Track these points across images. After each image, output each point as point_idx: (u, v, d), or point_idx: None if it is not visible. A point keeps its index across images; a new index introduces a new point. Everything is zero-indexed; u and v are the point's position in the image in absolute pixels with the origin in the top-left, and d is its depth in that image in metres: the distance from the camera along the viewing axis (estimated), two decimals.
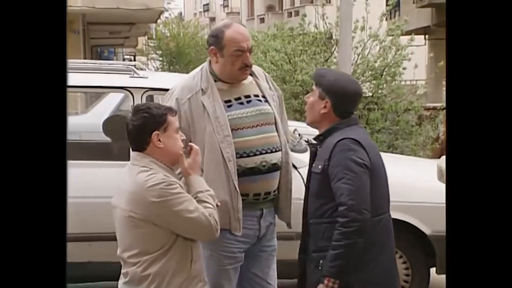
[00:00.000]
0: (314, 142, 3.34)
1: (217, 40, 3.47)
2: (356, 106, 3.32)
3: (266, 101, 3.57)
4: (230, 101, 3.50)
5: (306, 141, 4.77)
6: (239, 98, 3.52)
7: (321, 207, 3.16)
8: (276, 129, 3.56)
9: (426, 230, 4.68)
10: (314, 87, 3.30)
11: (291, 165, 3.61)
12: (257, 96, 3.56)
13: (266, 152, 3.47)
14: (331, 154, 3.10)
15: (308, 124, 3.40)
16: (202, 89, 3.47)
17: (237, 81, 3.53)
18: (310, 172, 3.28)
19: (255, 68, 3.69)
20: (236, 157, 3.41)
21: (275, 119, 3.57)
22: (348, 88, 3.22)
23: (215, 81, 3.50)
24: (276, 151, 3.51)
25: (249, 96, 3.54)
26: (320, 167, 3.14)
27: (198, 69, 3.61)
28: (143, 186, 2.89)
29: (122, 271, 3.02)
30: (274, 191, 3.55)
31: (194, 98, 3.47)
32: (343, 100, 3.20)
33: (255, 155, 3.45)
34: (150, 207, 2.87)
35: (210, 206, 2.97)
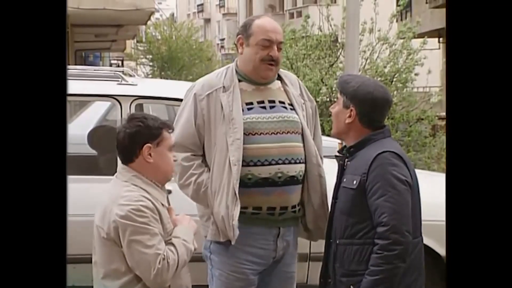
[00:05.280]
0: (339, 155, 3.28)
1: (245, 28, 3.50)
2: (385, 114, 3.26)
3: (293, 109, 3.54)
4: (251, 103, 3.48)
5: None
6: (262, 102, 3.50)
7: (352, 226, 3.09)
8: (303, 139, 3.51)
9: (442, 251, 4.67)
10: (338, 95, 3.27)
11: (324, 177, 3.53)
12: (283, 102, 3.53)
13: (284, 163, 3.42)
14: (369, 168, 3.04)
15: (333, 136, 3.37)
16: (223, 87, 3.47)
17: (259, 76, 3.49)
18: (338, 187, 3.22)
19: (287, 75, 3.70)
20: (250, 165, 3.38)
21: (302, 129, 3.52)
22: (374, 95, 3.15)
23: (239, 80, 3.50)
24: (296, 162, 3.45)
25: (273, 102, 3.51)
26: (355, 182, 3.07)
27: (225, 66, 3.64)
28: (115, 202, 2.92)
29: None
30: (294, 207, 3.48)
31: (213, 95, 3.46)
32: (369, 108, 3.15)
33: (270, 164, 3.40)
34: (111, 224, 2.89)
35: (173, 252, 2.93)
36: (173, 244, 2.95)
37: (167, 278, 2.90)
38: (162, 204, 3.03)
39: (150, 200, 2.95)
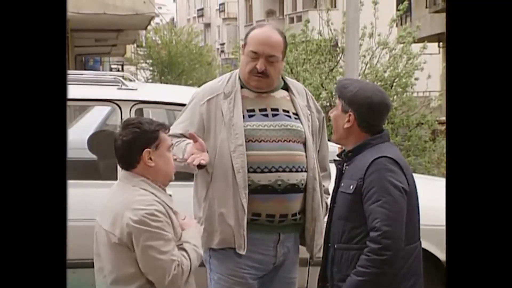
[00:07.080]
0: (338, 159, 3.29)
1: (245, 36, 3.54)
2: (383, 119, 3.26)
3: (298, 118, 3.53)
4: (253, 110, 3.48)
5: None
6: (264, 110, 3.49)
7: (349, 232, 3.10)
8: (305, 149, 3.50)
9: (441, 256, 4.67)
10: (337, 100, 3.27)
11: (318, 191, 3.53)
12: (287, 111, 3.53)
13: (284, 171, 3.41)
14: (365, 173, 3.05)
15: (334, 142, 3.37)
16: (224, 93, 3.48)
17: (251, 86, 3.50)
18: (336, 192, 3.23)
19: (295, 84, 3.70)
20: (249, 172, 3.37)
21: (305, 139, 3.51)
22: (372, 99, 3.14)
23: (242, 87, 3.51)
24: (298, 171, 3.45)
25: (276, 110, 3.51)
26: (352, 187, 3.08)
27: (230, 72, 3.65)
28: (128, 206, 2.89)
29: None
30: (294, 215, 3.47)
31: (213, 100, 3.48)
32: (367, 113, 3.15)
33: (270, 171, 3.40)
34: (125, 229, 2.86)
35: (186, 258, 2.92)
36: (185, 250, 2.94)
37: (180, 284, 2.88)
38: (170, 208, 3.01)
39: (161, 204, 2.93)
